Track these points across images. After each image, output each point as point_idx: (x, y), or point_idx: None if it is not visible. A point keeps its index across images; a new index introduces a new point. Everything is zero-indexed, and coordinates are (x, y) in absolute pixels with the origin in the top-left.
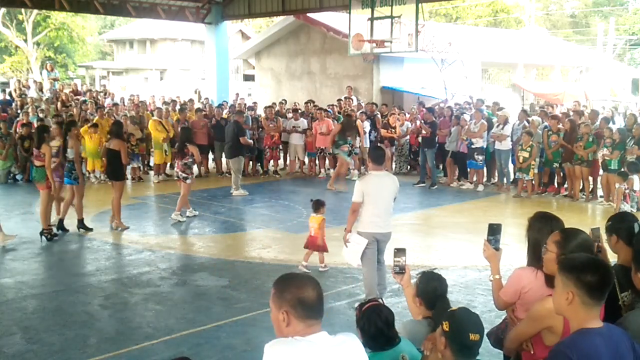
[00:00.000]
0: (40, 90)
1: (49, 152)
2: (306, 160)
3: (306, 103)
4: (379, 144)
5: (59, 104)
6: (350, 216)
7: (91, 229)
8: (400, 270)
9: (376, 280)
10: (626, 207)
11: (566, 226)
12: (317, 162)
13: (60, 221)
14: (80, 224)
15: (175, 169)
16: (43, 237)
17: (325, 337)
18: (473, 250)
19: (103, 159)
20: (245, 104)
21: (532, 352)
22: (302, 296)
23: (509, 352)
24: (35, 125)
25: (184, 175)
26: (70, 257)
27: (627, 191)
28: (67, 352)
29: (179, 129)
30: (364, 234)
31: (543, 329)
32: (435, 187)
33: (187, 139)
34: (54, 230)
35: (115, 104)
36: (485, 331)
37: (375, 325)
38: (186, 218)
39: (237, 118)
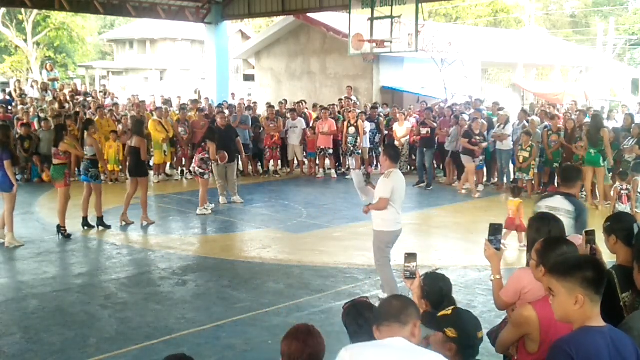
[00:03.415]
0: (44, 90)
1: (72, 148)
2: (306, 160)
3: (298, 103)
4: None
5: (57, 104)
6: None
7: (109, 226)
8: (411, 275)
9: (394, 277)
10: (621, 208)
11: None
12: (317, 162)
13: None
14: (100, 221)
15: (193, 164)
16: (60, 234)
17: (403, 342)
18: (473, 250)
19: (126, 157)
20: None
21: (515, 358)
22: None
23: (501, 354)
24: (36, 126)
25: (200, 170)
26: (71, 257)
27: (623, 192)
28: (67, 352)
29: (206, 128)
30: (389, 233)
31: (523, 335)
32: (431, 188)
33: (207, 137)
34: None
35: (116, 104)
36: (485, 331)
37: (356, 323)
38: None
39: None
